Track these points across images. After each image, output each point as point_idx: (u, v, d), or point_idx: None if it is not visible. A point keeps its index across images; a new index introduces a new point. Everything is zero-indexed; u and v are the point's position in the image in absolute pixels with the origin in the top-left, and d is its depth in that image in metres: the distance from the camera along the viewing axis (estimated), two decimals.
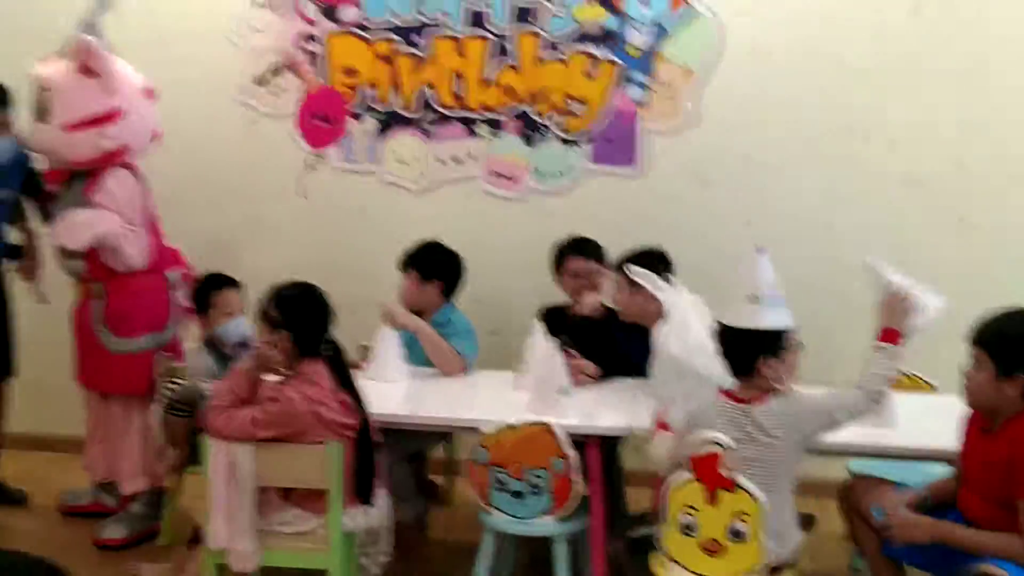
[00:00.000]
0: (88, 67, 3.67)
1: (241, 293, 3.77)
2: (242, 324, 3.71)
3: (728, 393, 2.83)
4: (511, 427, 3.14)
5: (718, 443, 2.68)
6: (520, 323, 4.23)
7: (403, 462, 3.65)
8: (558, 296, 4.08)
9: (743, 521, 2.69)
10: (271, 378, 3.15)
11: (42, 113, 3.71)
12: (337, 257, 4.51)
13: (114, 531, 3.87)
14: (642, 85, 4.35)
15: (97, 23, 3.75)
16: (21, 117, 3.83)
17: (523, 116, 4.43)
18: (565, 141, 4.43)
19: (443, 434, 4.01)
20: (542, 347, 3.50)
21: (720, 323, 2.89)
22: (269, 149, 4.56)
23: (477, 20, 4.38)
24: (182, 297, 3.99)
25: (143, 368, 3.82)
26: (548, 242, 4.18)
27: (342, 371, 3.08)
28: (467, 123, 4.46)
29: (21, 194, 3.93)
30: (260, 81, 4.52)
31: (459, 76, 4.42)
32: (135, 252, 3.79)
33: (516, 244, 4.49)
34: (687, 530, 2.75)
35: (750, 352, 2.78)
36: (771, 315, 2.80)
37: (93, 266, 3.79)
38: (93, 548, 3.82)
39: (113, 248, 3.73)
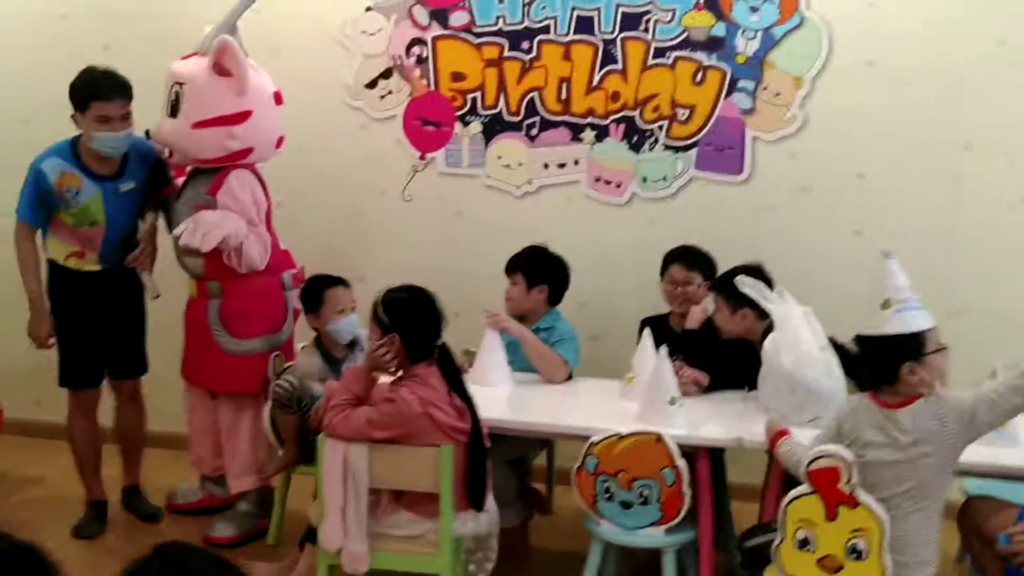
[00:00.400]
0: (223, 66, 3.71)
1: (350, 292, 3.82)
2: (353, 322, 3.76)
3: (875, 397, 2.77)
4: (621, 436, 3.13)
5: (840, 457, 2.64)
6: (621, 330, 4.25)
7: (505, 468, 3.66)
8: (660, 304, 4.06)
9: (863, 538, 2.65)
10: (384, 379, 3.19)
11: (173, 108, 3.78)
12: (439, 260, 4.54)
13: (224, 529, 3.94)
14: (749, 92, 4.30)
15: (236, 24, 3.81)
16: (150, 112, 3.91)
17: (628, 122, 4.40)
18: (670, 147, 4.39)
19: (544, 441, 4.02)
20: (652, 356, 3.48)
21: (858, 334, 2.83)
22: (377, 153, 4.60)
23: (585, 26, 4.37)
24: (295, 298, 4.04)
25: (256, 368, 3.86)
26: (651, 249, 4.17)
27: (453, 375, 3.10)
28: (572, 128, 4.45)
29: (146, 187, 3.98)
30: (370, 85, 4.56)
31: (565, 81, 4.42)
32: (257, 254, 3.82)
33: (618, 250, 4.47)
34: (804, 545, 2.71)
35: (891, 360, 2.69)
36: (905, 319, 2.71)
37: (211, 265, 3.83)
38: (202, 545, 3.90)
39: (237, 250, 3.76)
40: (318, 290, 3.80)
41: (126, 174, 3.88)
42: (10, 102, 4.85)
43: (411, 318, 3.08)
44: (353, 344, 3.82)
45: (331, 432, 3.03)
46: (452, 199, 4.59)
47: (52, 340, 3.92)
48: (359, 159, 4.64)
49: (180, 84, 3.77)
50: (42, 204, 3.80)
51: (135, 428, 4.20)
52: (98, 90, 3.71)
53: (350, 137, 4.62)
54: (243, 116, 3.77)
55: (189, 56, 3.87)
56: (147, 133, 3.90)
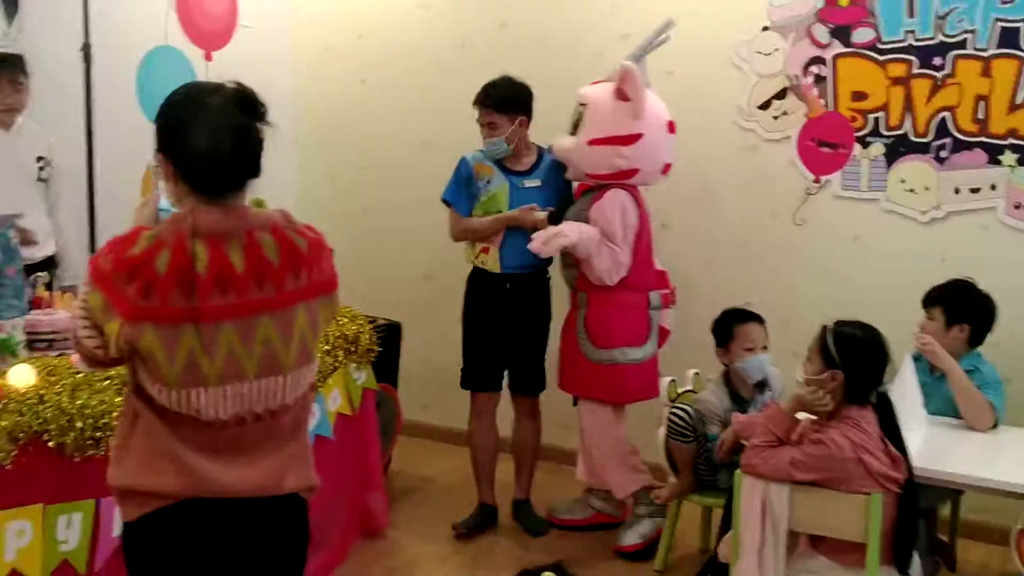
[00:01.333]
0: (623, 92, 3.88)
1: (763, 329, 3.69)
2: (764, 361, 3.64)
3: None
4: None
5: None
6: None
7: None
8: None
9: None
10: (806, 417, 3.04)
11: (575, 127, 4.00)
12: (832, 288, 4.32)
13: (629, 537, 4.00)
14: None
15: (645, 55, 3.97)
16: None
17: None
18: None
19: (953, 491, 3.70)
20: None
21: None
22: (768, 174, 4.46)
23: (1009, 38, 3.99)
24: (663, 318, 4.08)
25: (615, 379, 3.96)
26: None
27: (890, 421, 2.90)
28: (989, 150, 4.08)
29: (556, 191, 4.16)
30: (764, 106, 4.44)
31: (983, 99, 4.06)
32: (604, 267, 3.89)
33: None
34: None
35: None
36: None
37: (582, 277, 4.00)
38: (609, 556, 3.98)
39: (584, 260, 3.89)
40: (729, 324, 3.71)
41: (534, 172, 4.13)
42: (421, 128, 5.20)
43: (861, 356, 2.91)
44: (762, 384, 3.69)
45: (751, 471, 2.93)
46: (848, 224, 4.35)
47: (540, 211, 4.05)
48: (749, 181, 4.52)
49: (584, 105, 4.00)
50: (463, 188, 4.12)
51: (530, 443, 4.31)
52: (476, 98, 4.06)
53: (741, 158, 4.52)
54: (634, 138, 3.90)
55: (597, 82, 4.04)
56: (549, 148, 4.13)
